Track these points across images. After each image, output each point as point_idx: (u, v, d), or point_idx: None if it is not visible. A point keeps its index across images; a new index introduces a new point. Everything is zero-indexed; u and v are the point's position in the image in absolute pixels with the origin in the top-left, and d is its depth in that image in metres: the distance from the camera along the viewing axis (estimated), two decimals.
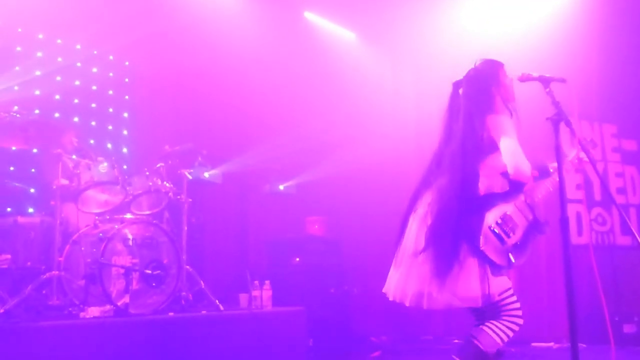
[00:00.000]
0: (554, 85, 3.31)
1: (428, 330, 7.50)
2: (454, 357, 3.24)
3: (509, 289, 3.35)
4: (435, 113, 8.01)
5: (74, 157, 5.04)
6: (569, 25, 6.76)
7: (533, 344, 6.64)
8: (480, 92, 3.44)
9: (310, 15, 7.90)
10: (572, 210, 6.52)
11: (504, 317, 3.28)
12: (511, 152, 3.27)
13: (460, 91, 3.61)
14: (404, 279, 3.27)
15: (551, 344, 6.55)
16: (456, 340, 7.19)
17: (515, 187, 3.34)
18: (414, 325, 7.53)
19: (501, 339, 3.22)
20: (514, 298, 3.34)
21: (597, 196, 6.66)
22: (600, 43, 6.87)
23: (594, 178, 6.53)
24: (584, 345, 5.91)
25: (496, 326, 3.25)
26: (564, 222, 3.16)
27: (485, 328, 3.25)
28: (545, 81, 3.28)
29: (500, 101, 3.43)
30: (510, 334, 3.26)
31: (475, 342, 3.21)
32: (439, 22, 7.32)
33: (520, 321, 3.31)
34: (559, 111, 3.22)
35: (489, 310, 3.29)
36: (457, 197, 3.18)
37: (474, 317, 3.44)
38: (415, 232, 3.38)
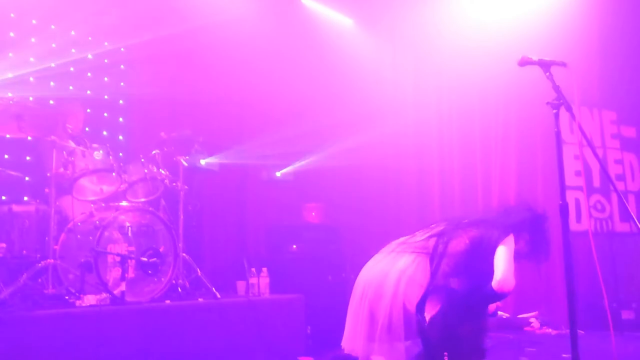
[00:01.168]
0: (555, 70, 3.25)
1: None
2: None
3: None
4: (434, 98, 8.01)
5: (71, 143, 4.99)
6: (570, 11, 6.71)
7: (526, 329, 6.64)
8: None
9: (307, 1, 7.82)
10: (571, 196, 6.49)
11: None
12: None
13: None
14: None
15: (549, 330, 6.55)
16: None
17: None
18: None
19: None
20: None
21: (597, 183, 6.63)
22: (601, 29, 6.82)
23: (594, 165, 6.50)
24: (583, 332, 5.91)
25: None
26: (563, 209, 3.13)
27: None
28: (545, 65, 3.23)
29: None
30: None
31: None
32: (439, 7, 7.26)
33: None
34: (559, 95, 3.18)
35: None
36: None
37: None
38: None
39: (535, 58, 3.26)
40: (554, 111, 3.16)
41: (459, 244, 3.33)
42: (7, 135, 5.10)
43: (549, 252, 3.46)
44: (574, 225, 6.37)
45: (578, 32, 6.67)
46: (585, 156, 6.32)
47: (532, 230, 3.44)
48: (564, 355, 5.00)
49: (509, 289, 3.26)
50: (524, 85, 6.04)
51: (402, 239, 3.49)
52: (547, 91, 3.24)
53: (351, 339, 3.38)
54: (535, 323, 6.59)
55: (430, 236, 3.41)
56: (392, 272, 3.31)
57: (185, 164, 5.49)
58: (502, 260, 3.27)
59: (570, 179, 6.45)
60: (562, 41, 6.39)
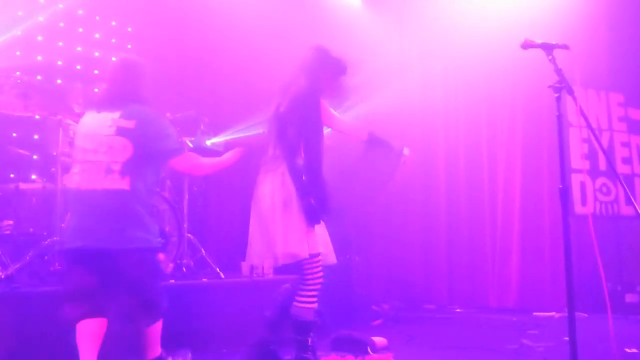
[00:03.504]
0: (557, 53, 3.24)
1: (431, 299, 7.54)
2: None
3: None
4: (440, 80, 7.97)
5: (76, 123, 5.02)
6: None
7: (535, 313, 6.67)
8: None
9: None
10: (576, 180, 6.47)
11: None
12: None
13: None
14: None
15: (553, 313, 6.58)
16: (458, 310, 7.25)
17: None
18: (417, 294, 7.57)
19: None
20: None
21: (602, 166, 6.59)
22: (608, 10, 6.74)
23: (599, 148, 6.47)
24: (585, 315, 5.93)
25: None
26: (563, 192, 3.14)
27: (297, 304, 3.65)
28: (547, 48, 3.22)
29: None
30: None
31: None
32: None
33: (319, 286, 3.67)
34: (562, 79, 3.17)
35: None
36: None
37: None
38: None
39: (538, 41, 3.25)
40: (556, 95, 3.16)
41: None
42: (15, 114, 5.15)
43: None
44: (578, 208, 6.37)
45: (586, 13, 6.60)
46: (592, 139, 6.29)
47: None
48: (565, 338, 5.02)
49: None
50: (531, 66, 6.00)
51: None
52: (553, 73, 3.23)
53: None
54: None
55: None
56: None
57: (190, 144, 5.51)
58: None
59: (577, 162, 6.43)
60: (570, 22, 6.34)
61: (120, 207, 3.20)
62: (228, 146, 6.37)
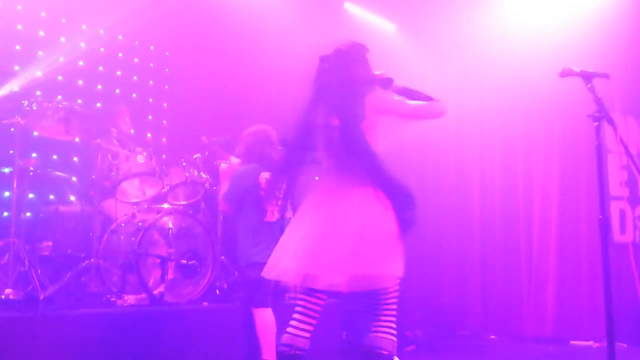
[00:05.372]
0: (597, 81, 3.19)
1: (465, 325, 7.41)
2: None
3: None
4: (476, 107, 7.90)
5: (115, 146, 5.13)
6: (616, 18, 6.54)
7: (572, 342, 6.52)
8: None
9: (350, 6, 7.83)
10: (615, 207, 6.35)
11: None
12: None
13: None
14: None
15: (591, 342, 6.42)
16: (493, 337, 7.12)
17: None
18: (451, 320, 7.46)
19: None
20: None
21: None
22: None
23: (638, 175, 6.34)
24: (625, 345, 5.78)
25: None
26: (603, 222, 3.08)
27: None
28: (587, 77, 3.17)
29: None
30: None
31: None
32: (482, 15, 7.16)
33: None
34: (601, 108, 3.12)
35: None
36: None
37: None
38: None
39: (577, 69, 3.20)
40: (595, 124, 3.11)
41: None
42: (56, 138, 5.28)
43: None
44: (617, 236, 6.23)
45: (626, 38, 6.50)
46: (631, 166, 6.17)
47: None
48: None
49: None
50: (569, 90, 5.92)
51: None
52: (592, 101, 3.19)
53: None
54: None
55: None
56: None
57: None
58: None
59: (615, 189, 6.32)
60: (609, 47, 6.24)
61: None
62: None
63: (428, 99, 3.28)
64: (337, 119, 3.06)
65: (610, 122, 3.11)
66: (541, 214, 7.14)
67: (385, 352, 3.02)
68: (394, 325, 3.14)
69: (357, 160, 3.01)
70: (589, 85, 3.16)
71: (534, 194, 7.23)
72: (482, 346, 6.62)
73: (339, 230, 2.92)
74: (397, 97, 3.26)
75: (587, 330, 6.58)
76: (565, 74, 3.22)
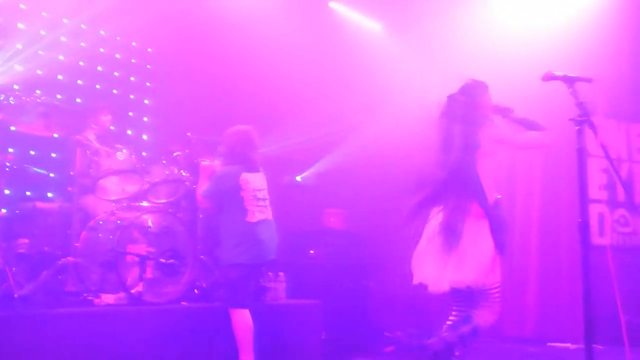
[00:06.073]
0: (580, 85, 3.20)
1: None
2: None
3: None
4: None
5: (95, 142, 5.06)
6: (600, 22, 6.59)
7: (550, 344, 6.57)
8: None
9: (335, 5, 7.82)
10: (594, 210, 6.40)
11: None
12: None
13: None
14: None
15: (568, 344, 6.47)
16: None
17: None
18: (433, 321, 7.47)
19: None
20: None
21: (621, 197, 6.52)
22: (632, 40, 6.70)
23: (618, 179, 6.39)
24: (601, 347, 5.81)
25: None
26: (583, 225, 3.09)
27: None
28: (569, 81, 3.17)
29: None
30: None
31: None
32: (469, 16, 7.18)
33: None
34: (583, 112, 3.12)
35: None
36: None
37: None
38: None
39: (559, 73, 3.20)
40: (577, 127, 3.11)
41: None
42: (35, 133, 5.19)
43: None
44: (596, 239, 6.28)
45: (609, 42, 6.56)
46: (611, 170, 6.22)
47: None
48: None
49: None
50: (553, 93, 5.96)
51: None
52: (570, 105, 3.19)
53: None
54: None
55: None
56: None
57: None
58: None
59: (595, 192, 6.37)
60: (593, 51, 6.29)
61: None
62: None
63: (542, 128, 3.74)
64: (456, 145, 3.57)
65: (592, 127, 3.11)
66: (523, 216, 7.18)
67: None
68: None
69: (465, 187, 3.54)
70: (571, 89, 3.17)
71: (517, 197, 7.27)
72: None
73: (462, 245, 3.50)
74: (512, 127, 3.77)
75: (566, 332, 6.63)
76: (548, 78, 3.22)
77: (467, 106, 3.75)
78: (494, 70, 7.15)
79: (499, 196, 3.70)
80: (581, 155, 3.14)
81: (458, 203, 3.53)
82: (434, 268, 3.63)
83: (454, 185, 3.57)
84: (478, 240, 3.51)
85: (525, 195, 7.19)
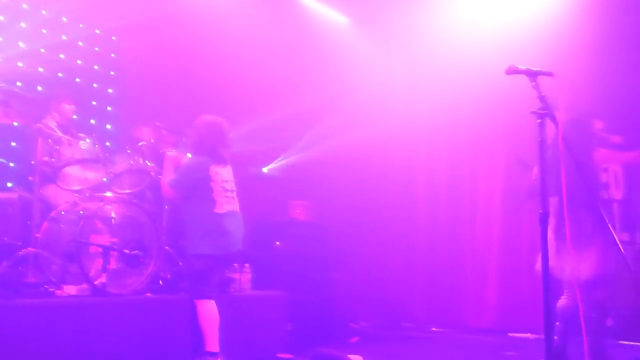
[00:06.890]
0: (542, 79, 3.27)
1: (409, 317, 7.54)
2: None
3: None
4: (425, 103, 8.02)
5: (57, 131, 4.96)
6: (561, 19, 6.73)
7: (510, 334, 6.71)
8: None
9: None
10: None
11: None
12: None
13: None
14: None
15: (528, 334, 6.62)
16: (434, 329, 7.25)
17: None
18: (396, 312, 7.57)
19: None
20: None
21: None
22: (592, 38, 6.84)
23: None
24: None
25: None
26: (543, 217, 3.16)
27: None
28: (531, 74, 3.24)
29: None
30: None
31: None
32: (434, 9, 7.26)
33: None
34: (545, 105, 3.19)
35: None
36: None
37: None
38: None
39: (522, 67, 3.27)
40: (538, 121, 3.18)
41: None
42: None
43: None
44: None
45: (569, 38, 6.69)
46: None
47: None
48: None
49: None
50: (515, 88, 6.05)
51: None
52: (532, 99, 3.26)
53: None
54: None
55: None
56: None
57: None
58: None
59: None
60: (553, 47, 6.41)
61: None
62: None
63: None
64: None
65: (553, 119, 3.19)
66: (485, 209, 7.30)
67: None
68: None
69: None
70: (533, 83, 3.24)
71: (479, 191, 7.39)
72: (425, 337, 6.74)
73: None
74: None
75: (525, 323, 6.77)
76: (511, 71, 3.29)
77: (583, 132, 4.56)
78: (458, 64, 7.28)
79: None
80: (542, 148, 3.21)
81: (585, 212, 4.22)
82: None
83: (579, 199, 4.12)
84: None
85: (487, 190, 7.32)
